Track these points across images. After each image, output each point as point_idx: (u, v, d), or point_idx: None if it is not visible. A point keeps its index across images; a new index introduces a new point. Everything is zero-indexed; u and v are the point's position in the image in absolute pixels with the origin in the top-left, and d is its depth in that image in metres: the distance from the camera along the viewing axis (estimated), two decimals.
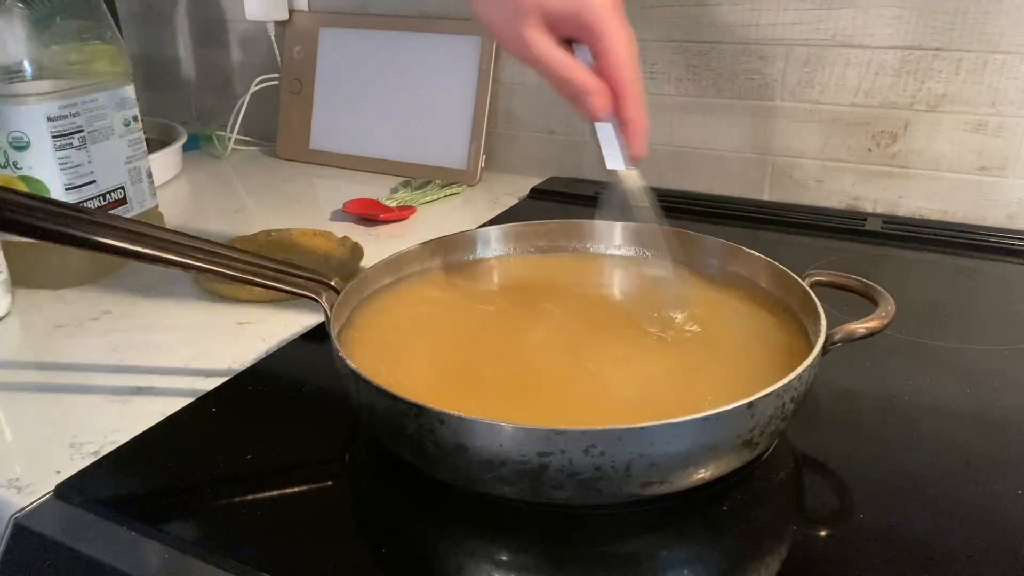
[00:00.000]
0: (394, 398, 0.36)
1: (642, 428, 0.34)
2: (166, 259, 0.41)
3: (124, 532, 0.37)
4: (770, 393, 0.36)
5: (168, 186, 0.96)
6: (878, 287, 0.45)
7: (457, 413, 0.34)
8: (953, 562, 0.35)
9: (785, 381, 0.36)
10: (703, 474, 0.37)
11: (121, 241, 0.40)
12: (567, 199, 0.89)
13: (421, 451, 0.37)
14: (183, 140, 1.01)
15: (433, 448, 0.36)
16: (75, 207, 0.40)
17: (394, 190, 0.90)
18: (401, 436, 0.38)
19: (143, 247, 0.40)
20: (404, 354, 0.47)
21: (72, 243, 0.38)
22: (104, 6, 0.67)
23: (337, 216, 0.84)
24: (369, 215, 0.82)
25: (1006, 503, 0.39)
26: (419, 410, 0.35)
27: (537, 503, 0.37)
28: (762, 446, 0.39)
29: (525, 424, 0.34)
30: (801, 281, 0.47)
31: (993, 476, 0.41)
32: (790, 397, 0.38)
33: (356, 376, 0.38)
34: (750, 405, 0.35)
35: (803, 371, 0.38)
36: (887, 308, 0.43)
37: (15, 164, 0.61)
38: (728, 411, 0.35)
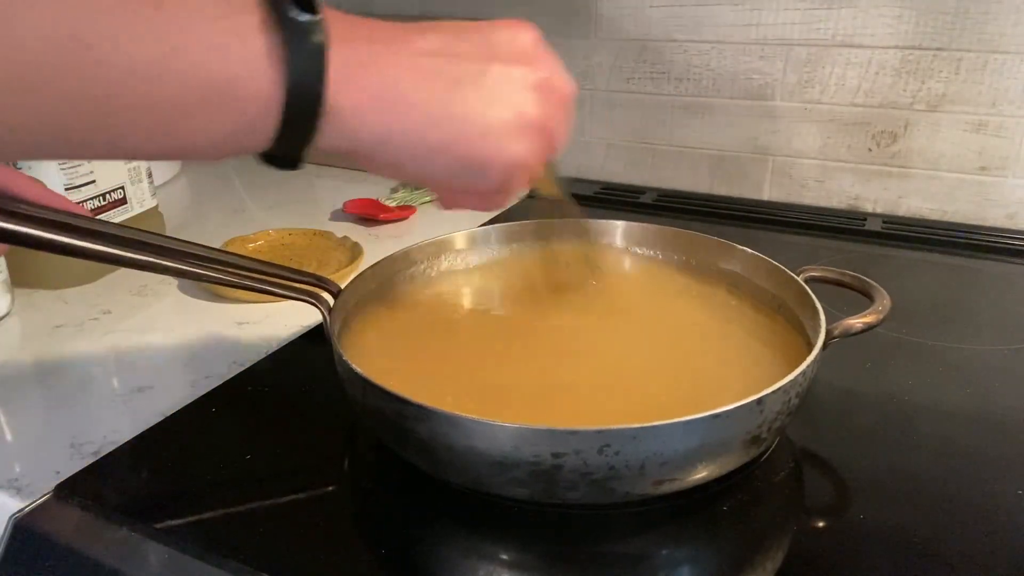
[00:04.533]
0: (404, 402, 0.36)
1: (656, 427, 0.34)
2: (162, 266, 0.41)
3: (124, 532, 0.37)
4: (778, 389, 0.36)
5: (168, 186, 0.96)
6: (872, 282, 0.46)
7: (470, 416, 0.34)
8: (953, 562, 0.35)
9: (791, 377, 0.37)
10: (712, 471, 0.37)
11: (116, 248, 0.39)
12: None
13: (431, 454, 0.37)
14: None
15: (445, 452, 0.36)
16: (68, 214, 0.39)
17: (394, 190, 0.90)
18: (409, 439, 0.37)
19: (138, 254, 0.40)
20: (403, 355, 0.47)
21: (65, 252, 0.37)
22: None
23: (337, 216, 0.84)
24: (369, 215, 0.81)
25: (1006, 503, 0.39)
26: (430, 413, 0.35)
27: (537, 503, 0.37)
28: (767, 441, 0.39)
29: (539, 425, 0.34)
30: (796, 277, 0.47)
31: (993, 476, 0.41)
32: (795, 393, 0.38)
33: (362, 380, 0.38)
34: (759, 401, 0.35)
35: (807, 366, 0.38)
36: (883, 303, 0.43)
37: (14, 164, 0.61)
38: (739, 408, 0.35)
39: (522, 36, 0.35)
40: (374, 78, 0.30)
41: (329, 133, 0.29)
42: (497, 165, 0.34)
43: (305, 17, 0.27)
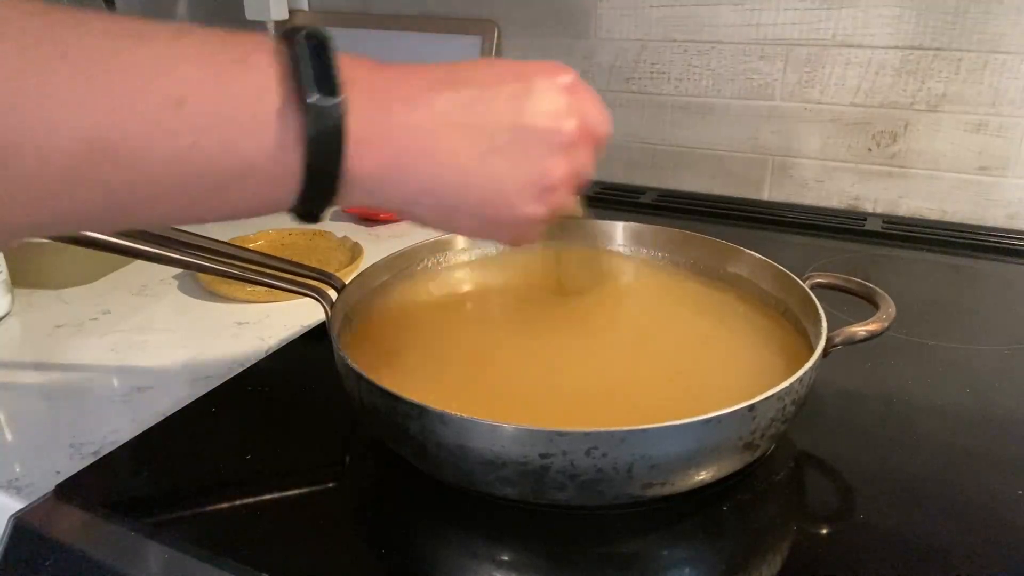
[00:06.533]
0: (396, 398, 0.36)
1: (644, 430, 0.34)
2: (168, 257, 0.41)
3: (124, 532, 0.37)
4: (771, 396, 0.36)
5: None
6: (878, 289, 0.45)
7: (459, 414, 0.34)
8: (953, 562, 0.35)
9: (786, 384, 0.36)
10: (704, 475, 0.37)
11: (123, 239, 0.40)
12: None
13: (423, 452, 0.37)
14: None
15: (435, 449, 0.36)
16: None
17: None
18: (403, 436, 0.38)
19: (144, 245, 0.40)
20: (404, 354, 0.47)
21: (75, 241, 0.38)
22: (104, 5, 0.67)
23: (337, 216, 0.84)
24: (369, 215, 0.81)
25: (1006, 503, 0.39)
26: (421, 410, 0.35)
27: (538, 503, 0.37)
28: (762, 448, 0.39)
29: (527, 425, 0.34)
30: (801, 283, 0.47)
31: (993, 476, 0.41)
32: (791, 400, 0.38)
33: (358, 376, 0.38)
34: (751, 408, 0.35)
35: (804, 374, 0.38)
36: (887, 310, 0.43)
37: None
38: (729, 413, 0.35)
39: (559, 84, 0.34)
40: (395, 145, 0.30)
41: (350, 196, 0.30)
42: (519, 225, 0.35)
43: (327, 102, 0.27)
